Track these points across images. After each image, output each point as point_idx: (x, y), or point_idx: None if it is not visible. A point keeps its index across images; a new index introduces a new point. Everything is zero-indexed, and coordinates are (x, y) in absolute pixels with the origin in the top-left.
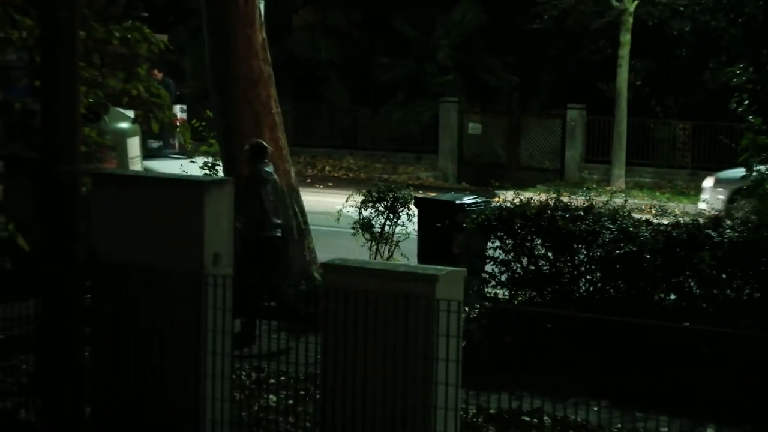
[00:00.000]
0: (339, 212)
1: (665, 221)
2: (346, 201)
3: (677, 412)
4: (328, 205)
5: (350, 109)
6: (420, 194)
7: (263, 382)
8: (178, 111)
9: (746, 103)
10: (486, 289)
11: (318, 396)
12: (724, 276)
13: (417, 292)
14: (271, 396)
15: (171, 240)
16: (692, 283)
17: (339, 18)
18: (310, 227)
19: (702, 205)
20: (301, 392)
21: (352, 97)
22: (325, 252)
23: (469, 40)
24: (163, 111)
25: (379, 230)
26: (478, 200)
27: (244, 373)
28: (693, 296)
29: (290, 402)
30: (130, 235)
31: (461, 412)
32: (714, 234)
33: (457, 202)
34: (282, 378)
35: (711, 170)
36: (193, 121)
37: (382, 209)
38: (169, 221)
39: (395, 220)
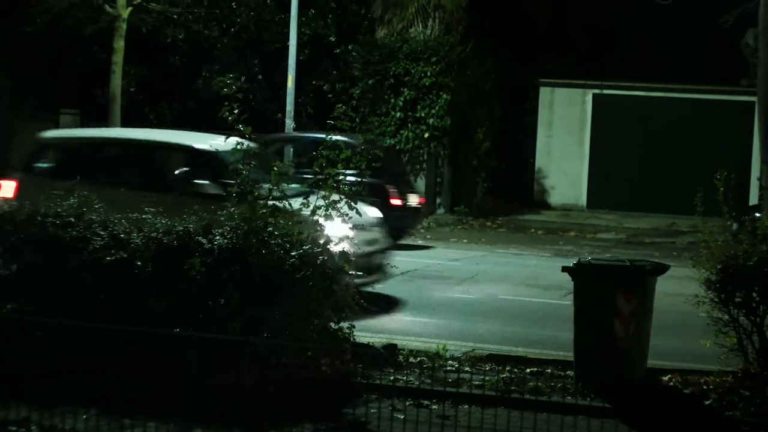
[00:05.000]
0: None
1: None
2: None
3: (166, 417)
4: None
5: None
6: None
7: None
8: None
9: (237, 112)
10: None
11: None
12: (214, 282)
13: None
14: None
15: None
16: (183, 290)
17: None
18: None
19: None
20: None
21: None
22: None
23: None
24: None
25: None
26: None
27: None
28: (184, 302)
29: None
30: None
31: None
32: (204, 241)
33: None
34: None
35: None
36: None
37: None
38: None
39: None
